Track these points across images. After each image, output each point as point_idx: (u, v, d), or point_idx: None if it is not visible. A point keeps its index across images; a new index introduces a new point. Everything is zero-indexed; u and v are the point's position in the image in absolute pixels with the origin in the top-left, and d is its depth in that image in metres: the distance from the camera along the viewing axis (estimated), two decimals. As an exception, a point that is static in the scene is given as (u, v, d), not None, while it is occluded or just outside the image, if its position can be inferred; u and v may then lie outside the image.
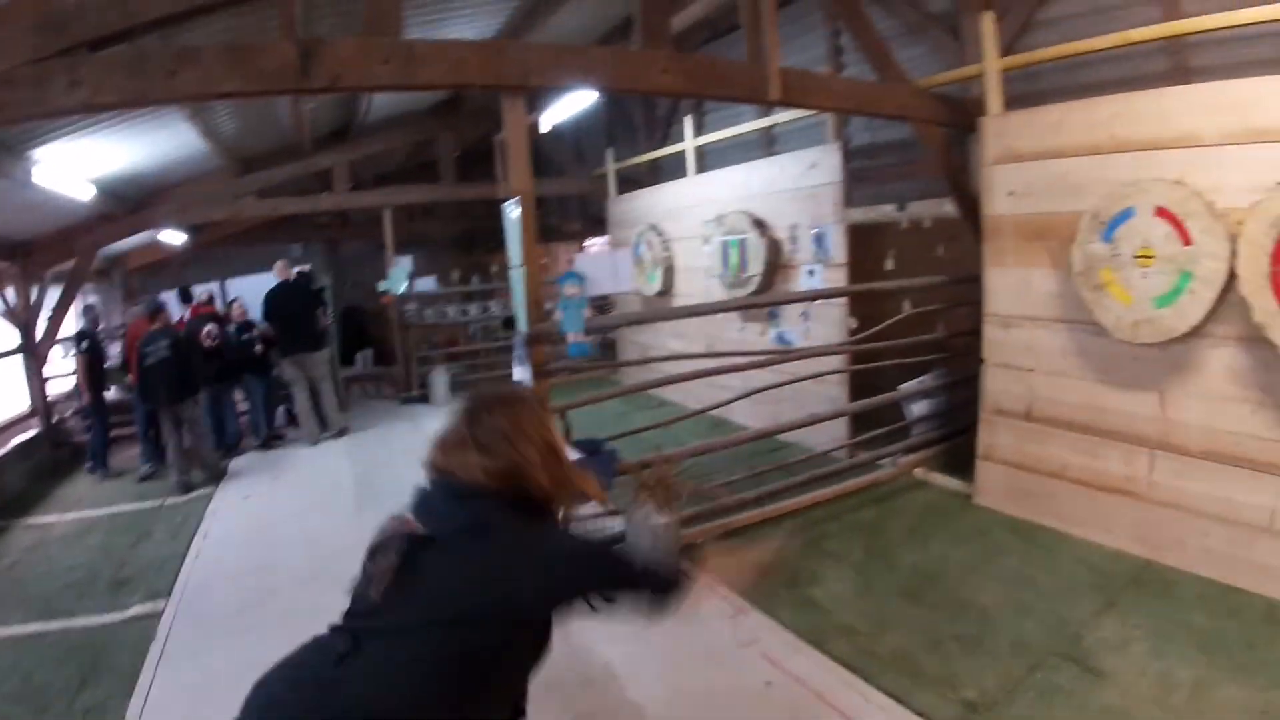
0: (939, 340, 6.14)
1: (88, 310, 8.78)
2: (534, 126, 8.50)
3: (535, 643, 1.65)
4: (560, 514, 1.80)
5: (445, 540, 1.59)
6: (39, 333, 8.45)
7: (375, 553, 1.66)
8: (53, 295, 8.57)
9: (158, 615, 4.61)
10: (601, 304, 10.62)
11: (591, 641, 3.91)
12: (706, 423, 6.88)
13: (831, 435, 6.23)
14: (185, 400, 7.25)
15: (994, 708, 3.13)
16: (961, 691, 3.26)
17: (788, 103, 4.79)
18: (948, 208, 5.69)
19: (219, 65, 3.46)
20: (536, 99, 7.67)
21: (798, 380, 5.80)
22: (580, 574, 1.66)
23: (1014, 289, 4.87)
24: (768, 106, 6.52)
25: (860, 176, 6.87)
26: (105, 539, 6.04)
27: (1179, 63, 5.32)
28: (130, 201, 8.88)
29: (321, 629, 1.70)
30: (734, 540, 4.98)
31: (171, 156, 8.03)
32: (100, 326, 8.82)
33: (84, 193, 7.12)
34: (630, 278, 9.27)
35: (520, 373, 4.53)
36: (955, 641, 3.64)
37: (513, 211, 4.35)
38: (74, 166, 6.67)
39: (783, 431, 5.80)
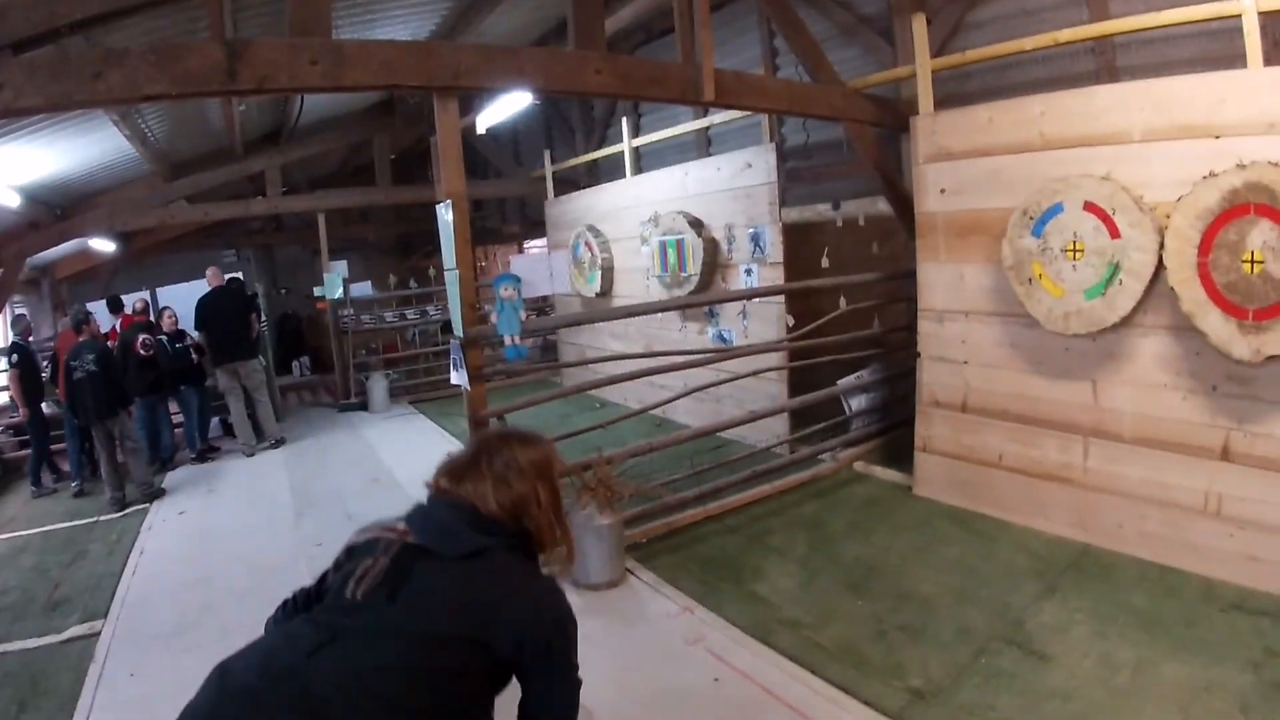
0: (875, 336, 6.26)
1: (18, 320, 8.46)
2: (470, 128, 8.44)
3: (498, 676, 1.63)
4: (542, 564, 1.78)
5: (441, 556, 1.58)
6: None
7: (357, 552, 1.64)
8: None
9: (96, 635, 4.46)
10: (541, 306, 10.60)
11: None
12: (648, 423, 6.92)
13: (772, 432, 6.30)
14: (116, 414, 7.00)
15: (940, 694, 3.19)
16: (908, 680, 3.31)
17: (722, 103, 4.83)
18: (882, 206, 5.81)
19: (145, 67, 3.37)
20: (472, 100, 7.62)
21: (737, 378, 5.86)
22: (557, 636, 1.64)
23: (947, 284, 4.99)
24: (702, 107, 6.57)
25: (796, 176, 6.97)
26: (39, 559, 5.82)
27: (1106, 62, 5.51)
28: (58, 208, 8.63)
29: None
30: (676, 539, 5.02)
31: (100, 161, 7.81)
32: (31, 338, 8.47)
33: (9, 200, 6.90)
34: (566, 279, 9.29)
35: (457, 377, 4.50)
36: (900, 631, 3.71)
37: (446, 214, 4.32)
38: (-1, 173, 6.43)
39: (723, 429, 5.86)
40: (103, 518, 6.72)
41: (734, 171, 6.69)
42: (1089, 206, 4.07)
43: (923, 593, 4.04)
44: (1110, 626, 3.57)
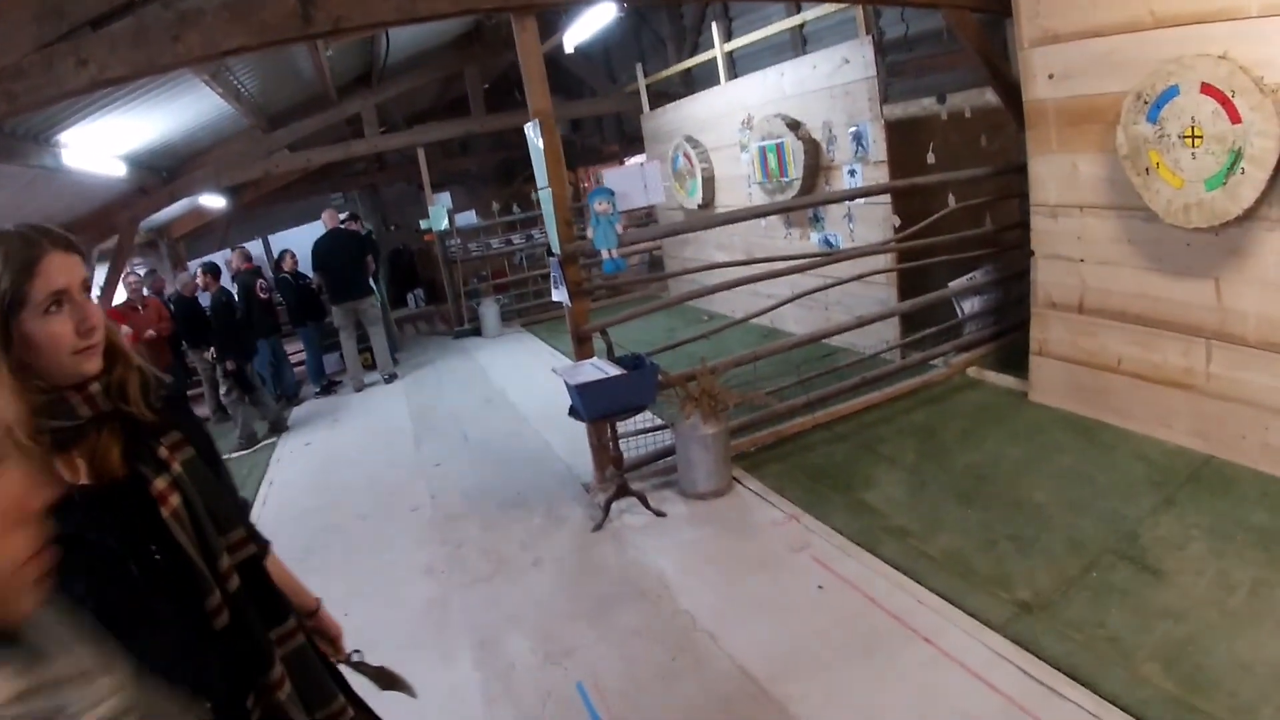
0: (987, 234, 5.91)
1: (150, 275, 9.03)
2: (558, 48, 8.33)
3: None
4: None
5: None
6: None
7: None
8: (101, 272, 8.71)
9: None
10: (644, 220, 10.54)
11: (643, 554, 4.01)
12: (755, 333, 6.85)
13: (882, 337, 6.13)
14: (243, 355, 7.44)
15: (1048, 608, 3.10)
16: (1015, 592, 3.24)
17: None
18: (989, 97, 5.41)
19: (221, 23, 3.46)
20: (557, 19, 7.48)
21: (843, 282, 5.66)
22: None
23: (1060, 177, 4.64)
24: (779, 2, 6.20)
25: (897, 70, 6.54)
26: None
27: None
28: (164, 172, 9.01)
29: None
30: (784, 448, 4.98)
31: (197, 122, 8.09)
32: (164, 292, 9.05)
33: (116, 169, 7.25)
34: (660, 189, 9.17)
35: (558, 294, 4.55)
36: (1009, 541, 3.60)
37: (534, 134, 4.32)
38: (102, 145, 6.76)
39: (830, 335, 5.74)
40: (234, 455, 7.20)
41: (831, 69, 6.37)
42: (1206, 89, 3.66)
43: (1035, 502, 3.90)
44: (1228, 544, 3.35)
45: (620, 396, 4.21)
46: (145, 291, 8.40)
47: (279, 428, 7.72)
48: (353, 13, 3.63)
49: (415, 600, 4.02)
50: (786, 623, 3.30)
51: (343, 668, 1.77)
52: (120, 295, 8.52)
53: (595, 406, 4.21)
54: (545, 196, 4.45)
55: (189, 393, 8.54)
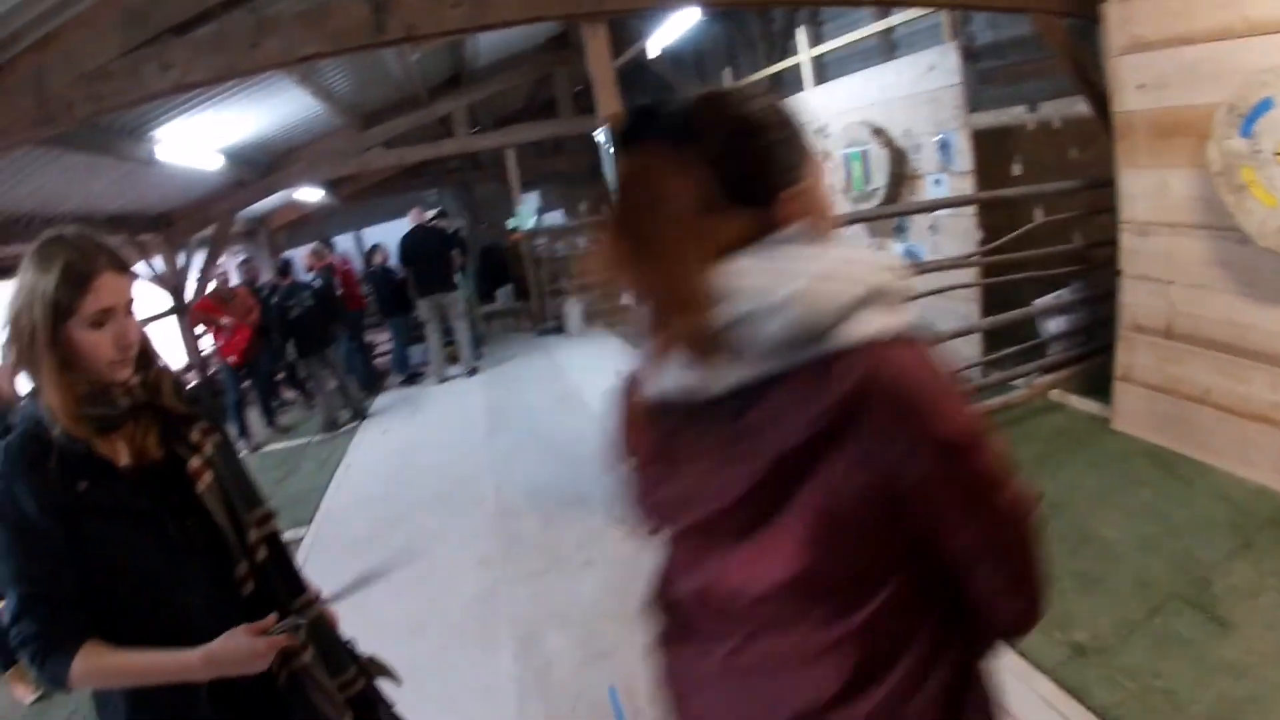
0: (1076, 251, 5.65)
1: (245, 264, 9.46)
2: (643, 51, 8.35)
3: None
4: None
5: None
6: (188, 295, 9.09)
7: None
8: (198, 259, 9.19)
9: (298, 541, 5.04)
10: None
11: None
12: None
13: (962, 354, 5.91)
14: (329, 346, 7.73)
15: (1104, 652, 2.94)
16: (1072, 632, 3.07)
17: (890, 1, 4.45)
18: (1081, 107, 5.18)
19: (298, 30, 3.62)
20: (641, 24, 7.51)
21: (925, 295, 5.44)
22: None
23: (1150, 192, 4.39)
24: (864, 7, 6.06)
25: (988, 77, 6.34)
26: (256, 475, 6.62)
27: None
28: (261, 166, 9.41)
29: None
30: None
31: (291, 120, 8.46)
32: (258, 280, 9.47)
33: (213, 163, 7.61)
34: None
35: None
36: (1073, 577, 3.42)
37: (605, 140, 4.32)
38: (199, 140, 7.11)
39: None
40: (314, 439, 7.49)
41: (916, 75, 6.18)
42: None
43: (1106, 537, 3.70)
44: (1310, 597, 3.12)
45: None
46: (234, 284, 8.78)
47: (360, 414, 7.97)
48: (424, 21, 3.74)
49: (467, 591, 4.11)
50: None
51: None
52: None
53: None
54: None
55: (277, 378, 8.95)
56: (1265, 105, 3.55)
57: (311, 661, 1.58)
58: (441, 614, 3.85)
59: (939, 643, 1.03)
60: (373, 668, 1.83)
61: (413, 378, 9.38)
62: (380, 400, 8.79)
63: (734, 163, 1.00)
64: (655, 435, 1.10)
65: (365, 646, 1.82)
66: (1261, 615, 3.03)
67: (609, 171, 4.37)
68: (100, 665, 1.37)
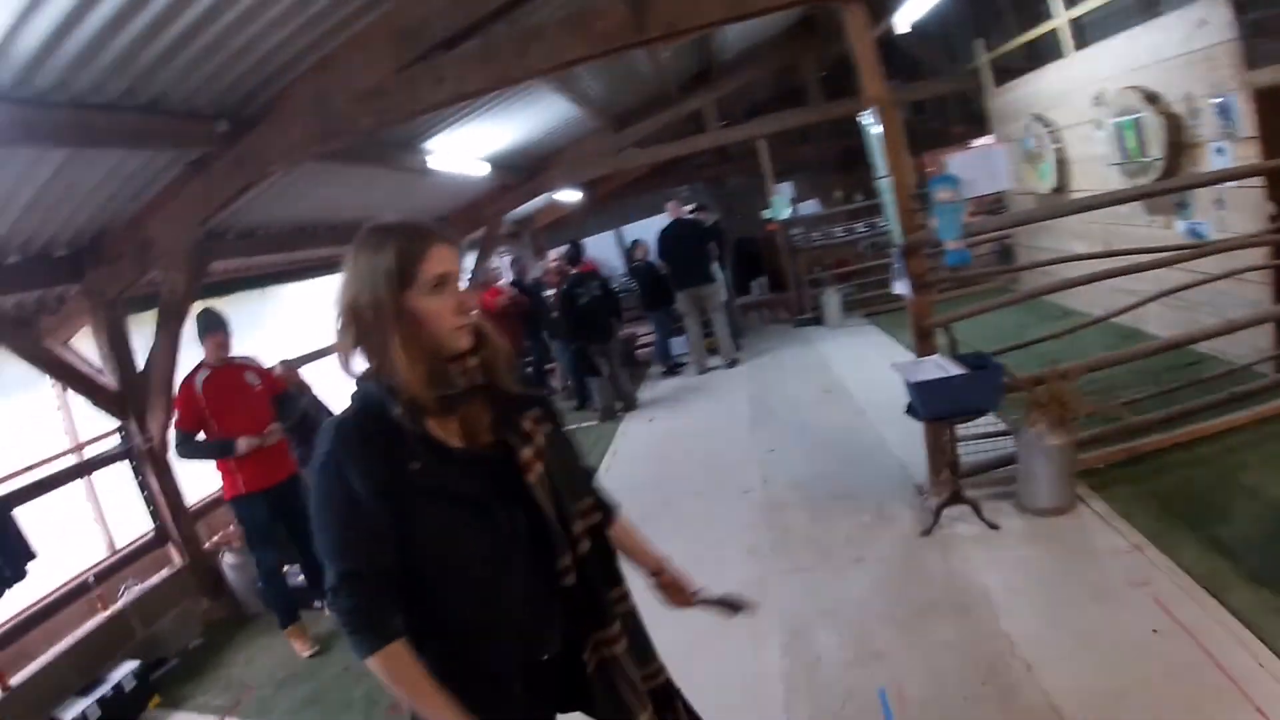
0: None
1: (515, 262, 10.20)
2: (890, 29, 8.03)
3: None
4: None
5: None
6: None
7: None
8: (469, 260, 10.12)
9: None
10: (993, 207, 9.85)
11: (969, 566, 3.81)
12: (1114, 333, 6.11)
13: (1254, 346, 5.12)
14: (612, 336, 8.23)
15: None
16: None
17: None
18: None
19: (561, 36, 3.84)
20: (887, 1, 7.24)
21: (1213, 279, 4.83)
22: None
23: None
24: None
25: (1264, 29, 5.44)
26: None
27: None
28: (523, 170, 10.03)
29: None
30: (1137, 467, 4.43)
31: (550, 125, 8.92)
32: (526, 277, 10.17)
33: (479, 170, 8.22)
34: (1006, 174, 8.42)
35: (900, 287, 4.39)
36: None
37: (871, 121, 4.23)
38: (466, 149, 7.72)
39: (1195, 341, 4.93)
40: (587, 424, 7.98)
41: (1187, 31, 5.43)
42: None
43: None
44: None
45: (960, 397, 3.96)
46: (503, 282, 9.50)
47: (630, 405, 8.39)
48: (683, 14, 3.80)
49: (735, 580, 4.06)
50: (1111, 665, 2.94)
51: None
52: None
53: (933, 406, 4.02)
54: (885, 185, 4.32)
55: (546, 366, 9.61)
56: None
57: (622, 652, 1.63)
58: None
59: None
60: (728, 607, 1.96)
61: (674, 369, 9.67)
62: (644, 391, 9.13)
63: None
64: None
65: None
66: None
67: (876, 153, 4.26)
68: (396, 670, 1.41)
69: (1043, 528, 4.02)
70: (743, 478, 5.58)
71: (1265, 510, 3.76)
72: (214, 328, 4.61)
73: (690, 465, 6.13)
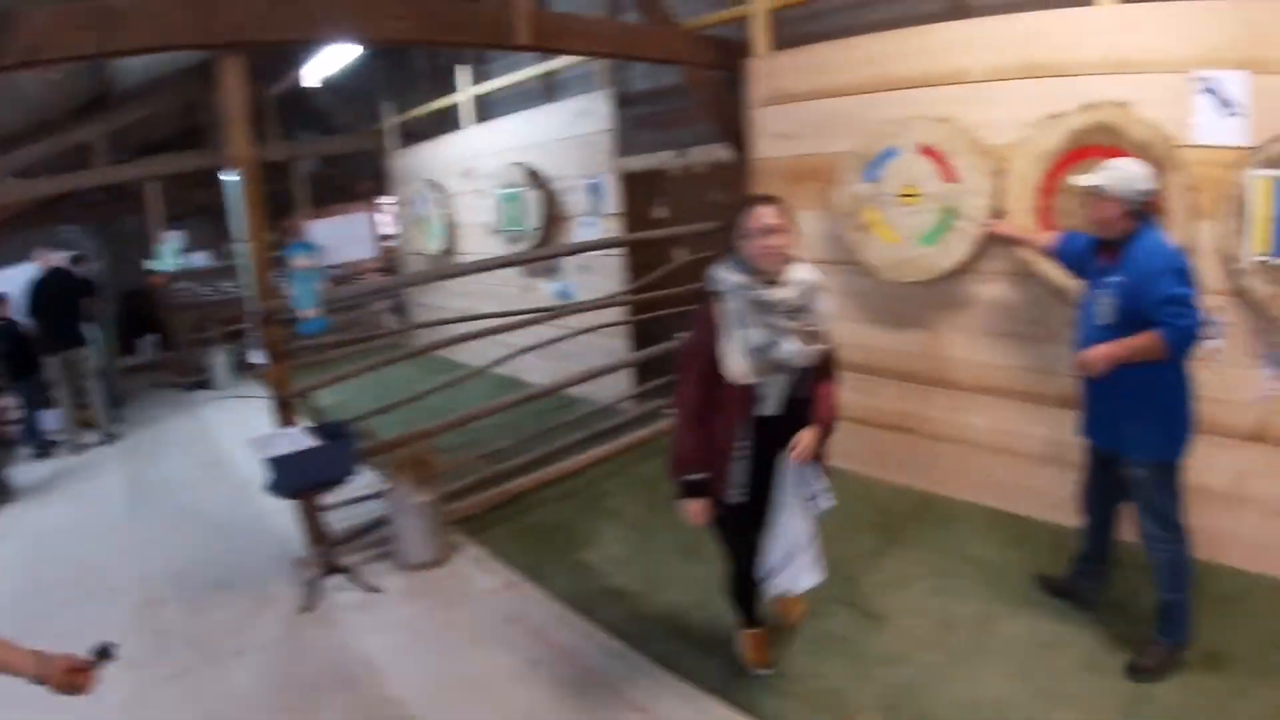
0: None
1: None
2: (296, 82, 7.92)
3: None
4: None
5: None
6: None
7: None
8: None
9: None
10: (389, 266, 10.17)
11: (353, 635, 3.72)
12: (499, 383, 6.61)
13: (615, 389, 6.15)
14: None
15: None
16: (732, 649, 3.20)
17: (540, 47, 4.52)
18: (724, 153, 5.61)
19: None
20: (296, 53, 7.09)
21: (578, 333, 5.67)
22: None
23: (785, 233, 4.83)
24: (518, 52, 6.17)
25: (644, 122, 6.68)
26: None
27: (957, 1, 5.33)
28: None
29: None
30: (512, 508, 4.83)
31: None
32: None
33: None
34: (372, 242, 8.83)
35: (256, 356, 4.16)
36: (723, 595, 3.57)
37: (232, 181, 3.95)
38: None
39: (564, 387, 5.61)
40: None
41: (570, 119, 6.40)
42: (924, 150, 3.95)
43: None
44: (951, 580, 3.51)
45: (315, 470, 3.92)
46: None
47: (6, 497, 6.66)
48: (52, 43, 3.22)
49: (112, 702, 3.43)
50: (500, 703, 3.10)
51: None
52: None
53: (289, 481, 3.90)
54: (243, 251, 4.06)
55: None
56: (890, 154, 4.06)
57: None
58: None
59: None
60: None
61: (47, 449, 7.98)
62: (18, 477, 7.34)
63: None
64: None
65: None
66: (911, 603, 3.38)
67: (235, 214, 3.99)
68: None
69: (420, 583, 4.13)
70: (118, 576, 4.78)
71: (625, 530, 4.37)
72: None
73: (63, 567, 5.04)
